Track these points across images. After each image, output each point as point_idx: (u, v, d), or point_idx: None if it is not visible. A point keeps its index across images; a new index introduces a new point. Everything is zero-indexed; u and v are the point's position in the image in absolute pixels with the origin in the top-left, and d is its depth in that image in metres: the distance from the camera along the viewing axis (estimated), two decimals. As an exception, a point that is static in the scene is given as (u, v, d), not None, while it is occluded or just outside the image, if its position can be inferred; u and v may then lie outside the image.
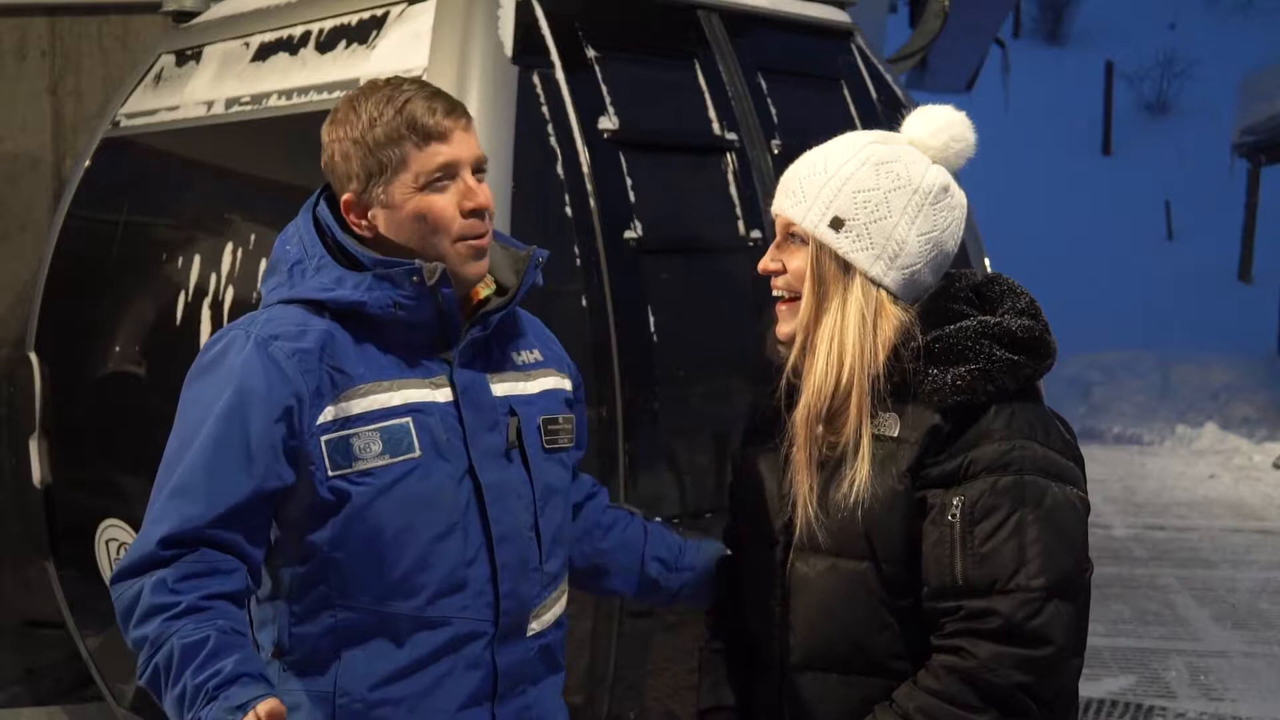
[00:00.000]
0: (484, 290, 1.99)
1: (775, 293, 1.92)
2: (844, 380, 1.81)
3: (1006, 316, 1.83)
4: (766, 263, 1.93)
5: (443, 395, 1.89)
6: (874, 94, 3.56)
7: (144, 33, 4.12)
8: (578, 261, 2.67)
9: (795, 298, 1.89)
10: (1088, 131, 26.69)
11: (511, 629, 1.93)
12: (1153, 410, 13.14)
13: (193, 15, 3.50)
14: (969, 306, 1.87)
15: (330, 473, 1.82)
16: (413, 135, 1.84)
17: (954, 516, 1.74)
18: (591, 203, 2.74)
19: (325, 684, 1.86)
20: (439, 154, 1.85)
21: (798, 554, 1.88)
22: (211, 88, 3.25)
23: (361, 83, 2.81)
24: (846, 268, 1.85)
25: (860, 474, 1.79)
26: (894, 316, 1.83)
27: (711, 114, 3.09)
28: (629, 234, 2.79)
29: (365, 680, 1.86)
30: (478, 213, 1.87)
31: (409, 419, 1.85)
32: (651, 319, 2.79)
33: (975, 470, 1.76)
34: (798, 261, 1.88)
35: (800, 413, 1.86)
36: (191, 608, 1.70)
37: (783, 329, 1.91)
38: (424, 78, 2.69)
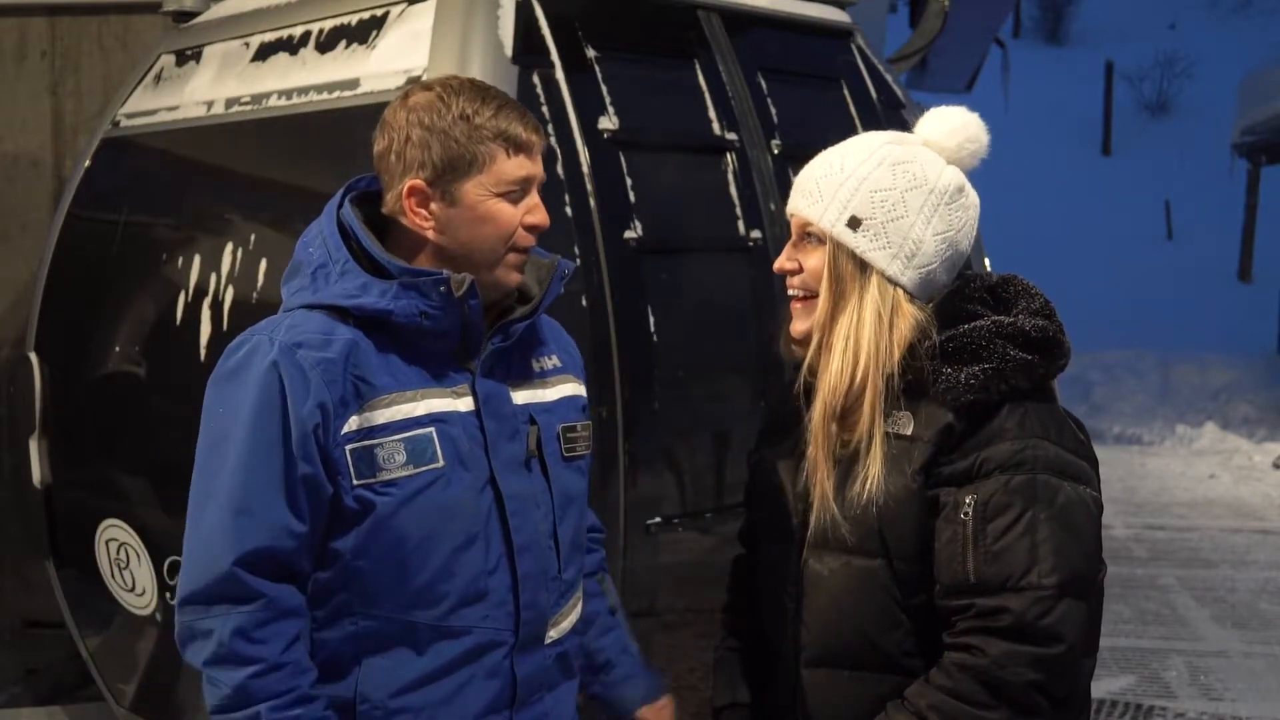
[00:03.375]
0: (509, 298, 2.00)
1: (791, 291, 1.93)
2: (858, 378, 1.82)
3: (1021, 317, 1.84)
4: (783, 262, 1.94)
5: (464, 405, 1.89)
6: (874, 94, 3.56)
7: (144, 33, 4.12)
8: (578, 261, 2.67)
9: (811, 296, 1.90)
10: (1088, 131, 26.69)
11: (531, 638, 1.94)
12: (1153, 410, 13.13)
13: (193, 15, 3.49)
14: (983, 307, 1.87)
15: (355, 482, 1.82)
16: (504, 141, 1.87)
17: (966, 514, 1.75)
18: (591, 203, 2.74)
19: (346, 690, 1.87)
20: (523, 166, 1.89)
21: (812, 551, 1.89)
22: (211, 88, 3.25)
23: (361, 83, 2.85)
24: (864, 267, 1.86)
25: (874, 472, 1.80)
26: (910, 315, 1.84)
27: (711, 114, 3.09)
28: (629, 234, 2.79)
29: (386, 688, 1.86)
30: (535, 229, 1.92)
31: (432, 429, 1.85)
32: (651, 319, 2.79)
33: (988, 469, 1.77)
34: (814, 261, 1.89)
35: (816, 411, 1.87)
36: (275, 665, 1.77)
37: (797, 326, 1.92)
38: (424, 78, 2.69)
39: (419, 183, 1.87)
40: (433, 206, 1.89)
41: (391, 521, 1.83)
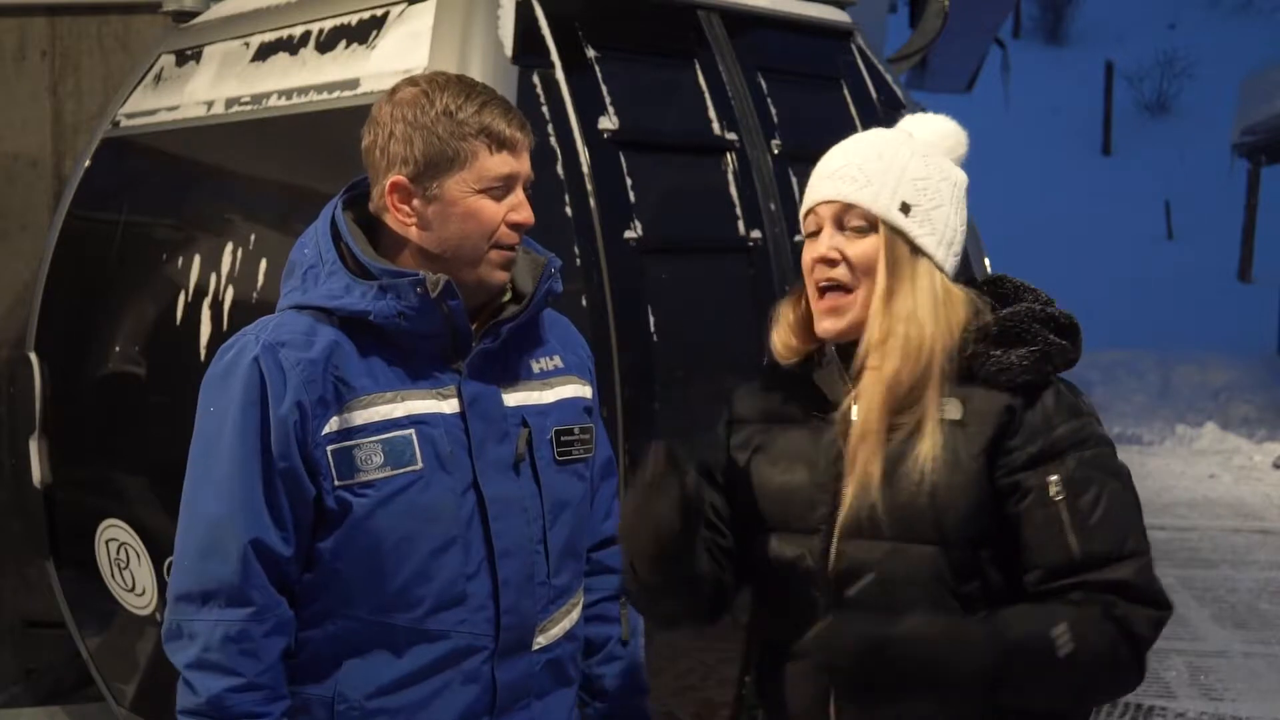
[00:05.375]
0: (500, 297, 1.98)
1: (823, 284, 1.88)
2: (923, 361, 1.81)
3: (1040, 306, 1.88)
4: (826, 251, 1.87)
5: (450, 406, 1.88)
6: (874, 94, 3.56)
7: (144, 33, 4.12)
8: (578, 261, 2.67)
9: (847, 288, 1.86)
10: (1088, 131, 26.68)
11: (513, 644, 1.92)
12: (1153, 410, 13.13)
13: (193, 15, 3.49)
14: (994, 300, 1.90)
15: (337, 483, 1.83)
16: (486, 137, 1.86)
17: (1059, 495, 1.76)
18: (591, 203, 2.74)
19: (326, 689, 1.88)
20: (506, 164, 1.87)
21: (847, 540, 1.83)
22: (211, 88, 3.25)
23: (361, 83, 2.85)
24: (915, 252, 1.86)
25: (929, 455, 1.78)
26: (961, 297, 1.87)
27: (711, 114, 3.09)
28: (629, 234, 2.79)
29: (363, 688, 1.87)
30: (519, 227, 1.90)
31: (412, 430, 1.84)
32: (651, 319, 2.79)
33: (1060, 448, 1.78)
34: (861, 248, 1.86)
35: (874, 398, 1.82)
36: (254, 684, 1.80)
37: (834, 324, 1.87)
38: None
39: (401, 179, 1.87)
40: (415, 203, 1.88)
41: (368, 523, 1.83)
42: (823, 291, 1.88)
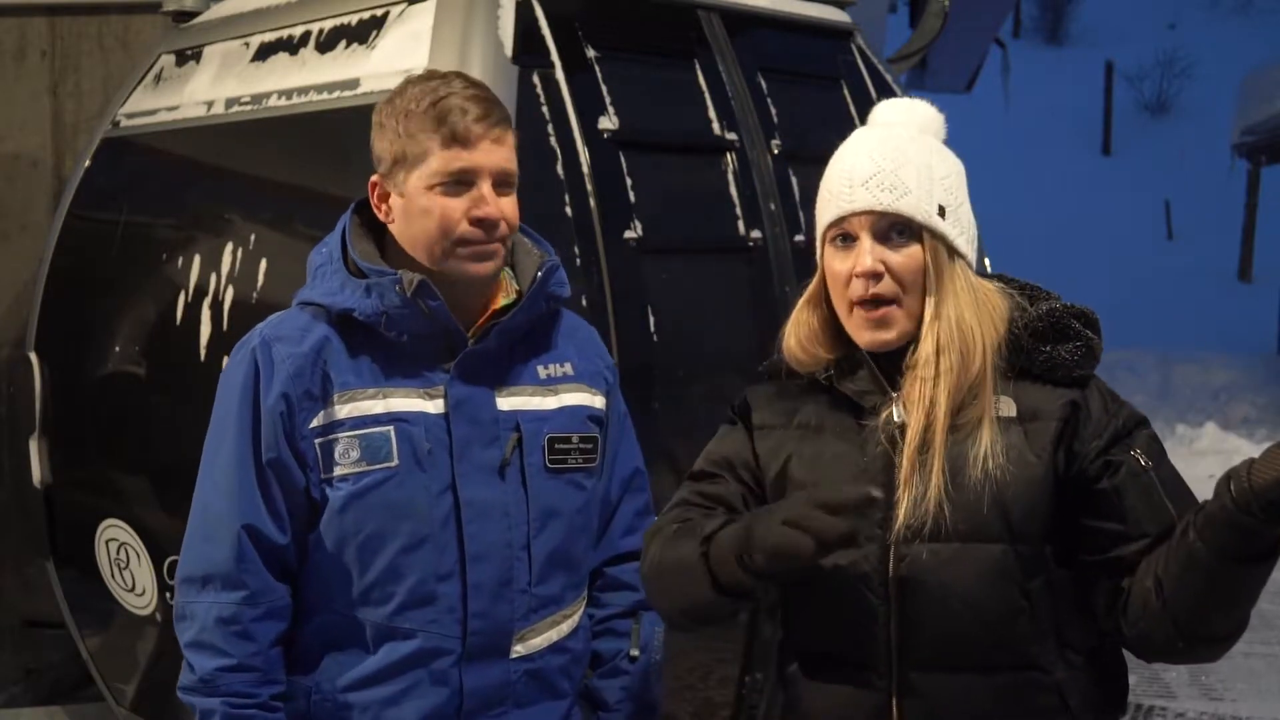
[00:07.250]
0: (503, 299, 1.97)
1: (868, 297, 1.82)
2: (976, 363, 1.79)
3: (1060, 302, 1.88)
4: (873, 265, 1.80)
5: (435, 406, 1.88)
6: (874, 94, 3.56)
7: (144, 33, 4.12)
8: (578, 261, 2.67)
9: (890, 301, 1.82)
10: (1088, 131, 26.69)
11: (483, 649, 1.91)
12: (1153, 410, 13.09)
13: (193, 15, 3.49)
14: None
15: (323, 475, 1.86)
16: (439, 133, 1.84)
17: (1147, 464, 1.80)
18: (591, 203, 2.74)
19: (308, 680, 1.92)
20: (458, 159, 1.84)
21: (909, 545, 1.79)
22: (211, 88, 3.25)
23: (361, 83, 2.85)
24: (952, 254, 1.83)
25: (995, 455, 1.77)
26: (996, 293, 1.86)
27: (711, 114, 3.09)
28: (629, 234, 2.79)
29: (337, 681, 1.90)
30: (483, 222, 1.86)
31: (390, 428, 1.85)
32: (651, 319, 2.79)
33: (1129, 428, 1.83)
34: (904, 257, 1.81)
35: (938, 405, 1.79)
36: (244, 665, 1.84)
37: (885, 336, 1.83)
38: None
39: (376, 178, 1.91)
40: (391, 201, 1.90)
41: (341, 517, 1.86)
42: (864, 304, 1.83)
